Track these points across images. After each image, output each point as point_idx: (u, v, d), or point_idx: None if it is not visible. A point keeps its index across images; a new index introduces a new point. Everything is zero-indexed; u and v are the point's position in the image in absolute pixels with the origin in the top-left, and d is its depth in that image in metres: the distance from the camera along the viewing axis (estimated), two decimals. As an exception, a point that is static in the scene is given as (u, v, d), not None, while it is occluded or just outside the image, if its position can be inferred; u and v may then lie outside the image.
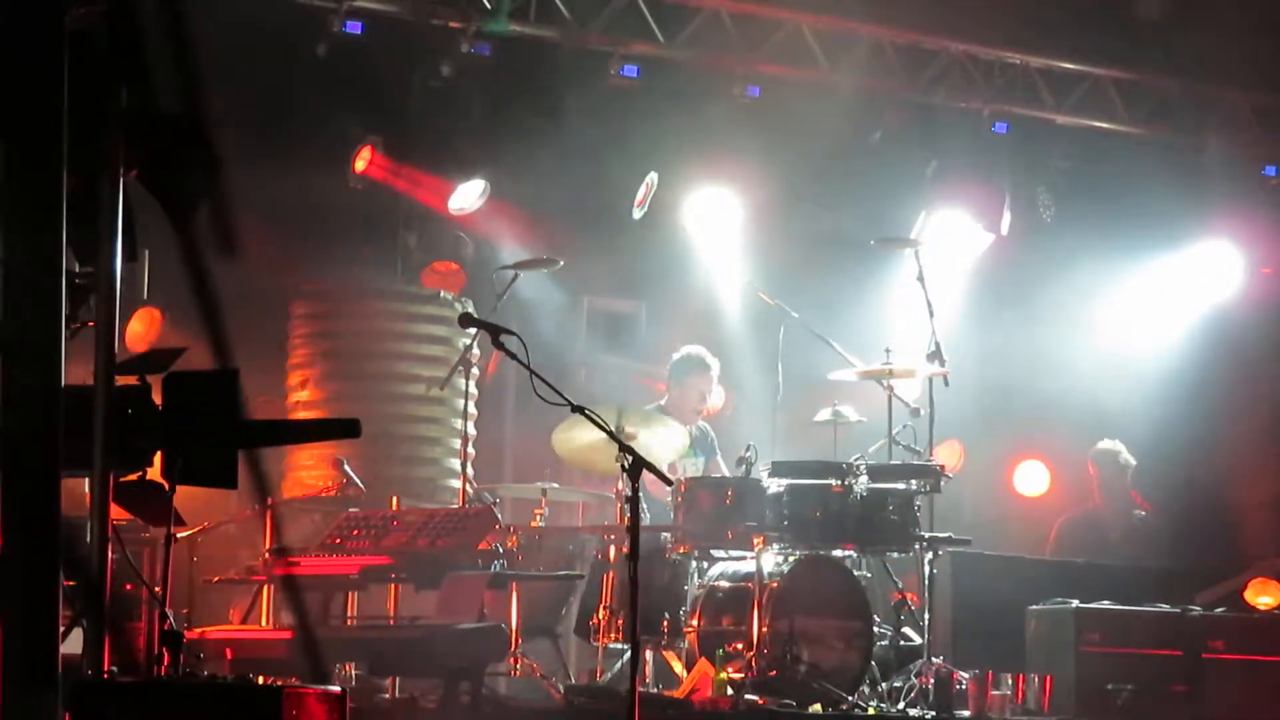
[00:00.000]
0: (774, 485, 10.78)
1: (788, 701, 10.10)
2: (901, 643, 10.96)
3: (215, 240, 4.80)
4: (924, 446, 11.38)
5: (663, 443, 11.25)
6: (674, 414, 12.10)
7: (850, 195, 13.46)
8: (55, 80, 4.70)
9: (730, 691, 10.14)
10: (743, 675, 10.23)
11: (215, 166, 5.58)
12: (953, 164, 13.94)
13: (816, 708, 10.12)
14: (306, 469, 12.09)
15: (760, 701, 10.04)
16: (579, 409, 7.95)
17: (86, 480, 5.63)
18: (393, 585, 10.88)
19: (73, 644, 5.75)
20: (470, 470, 11.78)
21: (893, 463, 11.24)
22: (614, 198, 13.23)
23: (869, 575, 11.01)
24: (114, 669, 5.85)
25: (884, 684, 10.66)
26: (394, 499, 11.59)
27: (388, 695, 10.25)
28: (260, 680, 6.38)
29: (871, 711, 10.35)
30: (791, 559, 10.68)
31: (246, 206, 11.78)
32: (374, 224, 13.13)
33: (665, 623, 10.59)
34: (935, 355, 11.54)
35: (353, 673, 10.31)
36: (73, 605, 5.76)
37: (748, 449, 10.92)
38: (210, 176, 5.52)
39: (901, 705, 10.52)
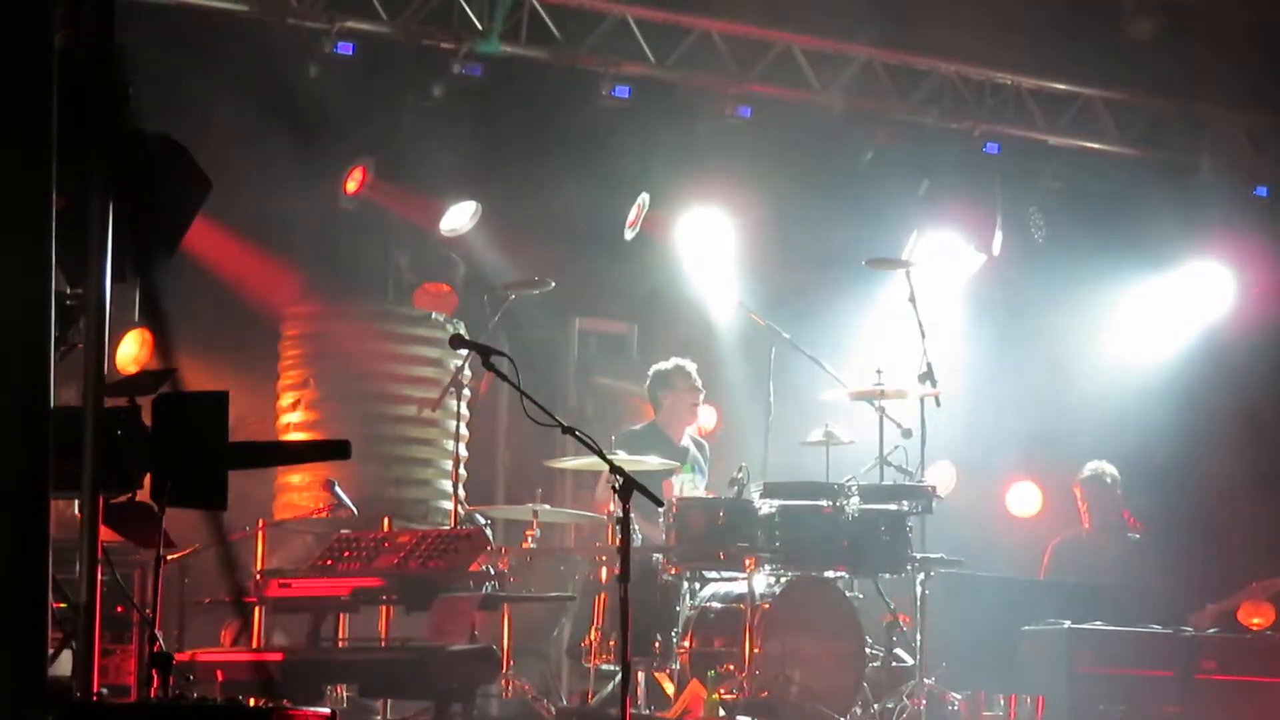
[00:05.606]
0: (766, 506, 10.77)
1: (780, 723, 10.09)
2: (894, 664, 10.94)
3: (159, 244, 4.77)
4: (916, 468, 11.37)
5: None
6: (667, 428, 12.10)
7: (841, 216, 13.44)
8: (44, 101, 4.69)
9: (722, 713, 10.12)
10: (734, 696, 10.22)
11: (204, 187, 5.57)
12: (944, 184, 13.92)
13: (809, 729, 10.11)
14: (298, 490, 12.06)
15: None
16: (570, 430, 7.93)
17: (76, 502, 5.61)
18: (384, 607, 10.85)
19: (62, 665, 5.73)
20: (462, 492, 11.76)
21: (884, 484, 11.23)
22: (606, 219, 13.21)
23: (861, 596, 11.01)
24: (103, 691, 5.83)
25: (876, 705, 10.64)
26: (385, 520, 11.58)
27: (379, 717, 10.23)
28: (251, 702, 6.35)
29: (864, 733, 10.35)
30: (784, 580, 10.67)
31: (238, 226, 11.84)
32: (365, 245, 13.11)
33: (657, 644, 10.58)
34: (927, 376, 11.54)
35: (344, 695, 10.28)
36: (61, 627, 5.74)
37: (740, 470, 10.91)
38: (199, 196, 5.51)
39: (894, 726, 10.52)
